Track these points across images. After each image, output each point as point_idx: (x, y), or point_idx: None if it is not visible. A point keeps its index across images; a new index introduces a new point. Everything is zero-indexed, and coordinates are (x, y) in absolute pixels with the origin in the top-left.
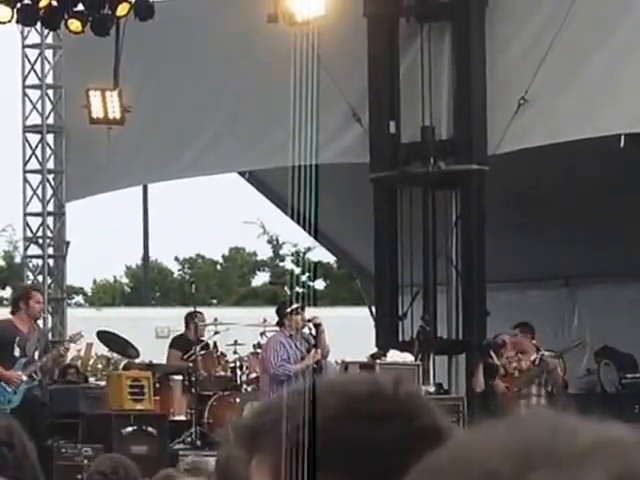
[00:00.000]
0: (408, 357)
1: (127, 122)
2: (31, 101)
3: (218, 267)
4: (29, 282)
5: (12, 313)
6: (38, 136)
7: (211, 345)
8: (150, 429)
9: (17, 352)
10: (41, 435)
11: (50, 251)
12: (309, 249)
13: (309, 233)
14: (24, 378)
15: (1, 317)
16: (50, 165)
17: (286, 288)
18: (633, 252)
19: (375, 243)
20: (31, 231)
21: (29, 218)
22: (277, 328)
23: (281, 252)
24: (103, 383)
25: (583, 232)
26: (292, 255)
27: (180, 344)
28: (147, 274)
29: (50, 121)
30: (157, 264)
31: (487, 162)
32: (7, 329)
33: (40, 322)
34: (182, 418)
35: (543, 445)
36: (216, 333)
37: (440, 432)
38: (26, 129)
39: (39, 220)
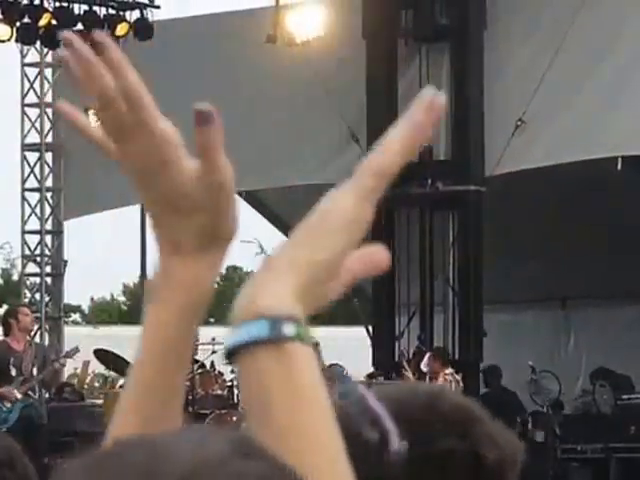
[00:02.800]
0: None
1: None
2: (30, 119)
3: (215, 286)
4: (26, 300)
5: (5, 335)
6: (37, 154)
7: (208, 364)
8: None
9: (13, 372)
10: (37, 454)
11: (48, 269)
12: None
13: None
14: (18, 396)
15: None
16: (49, 183)
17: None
18: (629, 274)
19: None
20: (29, 249)
21: (27, 236)
22: None
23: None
24: (100, 401)
25: (580, 254)
26: None
27: None
28: (144, 292)
29: (49, 139)
30: None
31: (484, 183)
32: (2, 350)
33: (37, 338)
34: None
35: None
36: (213, 352)
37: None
38: (25, 147)
39: (37, 238)
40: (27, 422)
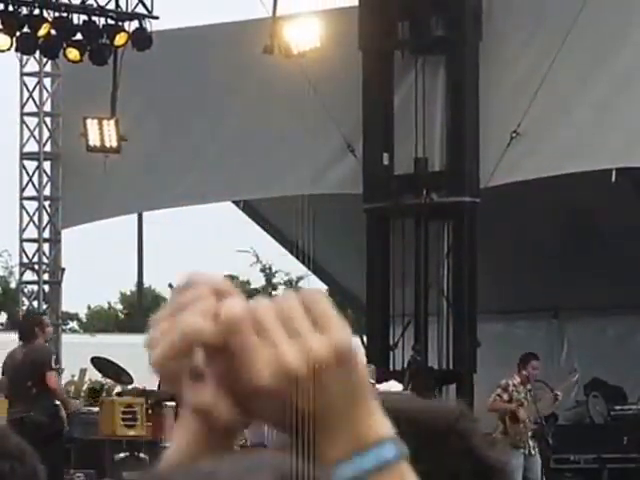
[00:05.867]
0: (394, 386)
1: (123, 151)
2: (29, 128)
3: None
4: (24, 307)
5: (28, 340)
6: (35, 163)
7: None
8: (142, 455)
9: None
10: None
11: (46, 277)
12: (301, 278)
13: (302, 262)
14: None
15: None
16: (47, 192)
17: None
18: (622, 285)
19: (367, 273)
20: (27, 257)
21: (25, 244)
22: None
23: (274, 280)
24: (96, 409)
25: (573, 265)
26: (284, 284)
27: None
28: (141, 301)
29: (47, 148)
30: (151, 291)
31: (479, 194)
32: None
33: None
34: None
35: None
36: None
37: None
38: (23, 156)
39: (35, 246)
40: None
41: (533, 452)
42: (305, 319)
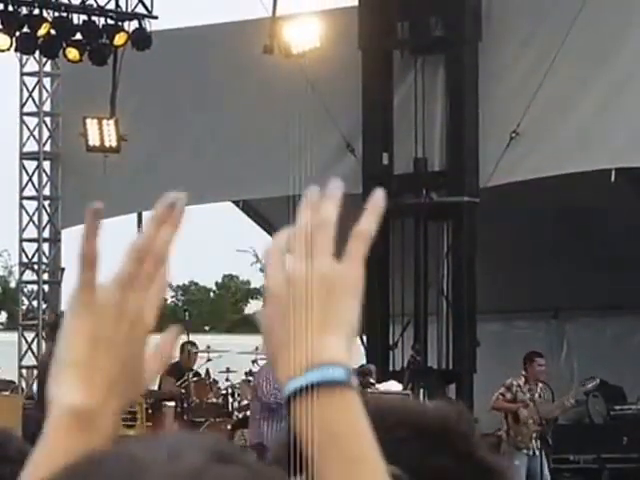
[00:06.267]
0: (393, 386)
1: (123, 150)
2: (28, 128)
3: (211, 294)
4: (24, 307)
5: (51, 340)
6: (35, 163)
7: (203, 372)
8: None
9: None
10: None
11: (45, 277)
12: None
13: None
14: None
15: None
16: (46, 192)
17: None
18: (621, 285)
19: (366, 272)
20: (27, 257)
21: (25, 244)
22: None
23: None
24: None
25: (572, 265)
26: None
27: (173, 371)
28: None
29: (47, 148)
30: None
31: (478, 194)
32: None
33: (34, 345)
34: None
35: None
36: (208, 360)
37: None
38: (23, 156)
39: (35, 246)
40: None
41: (537, 453)
42: (305, 243)
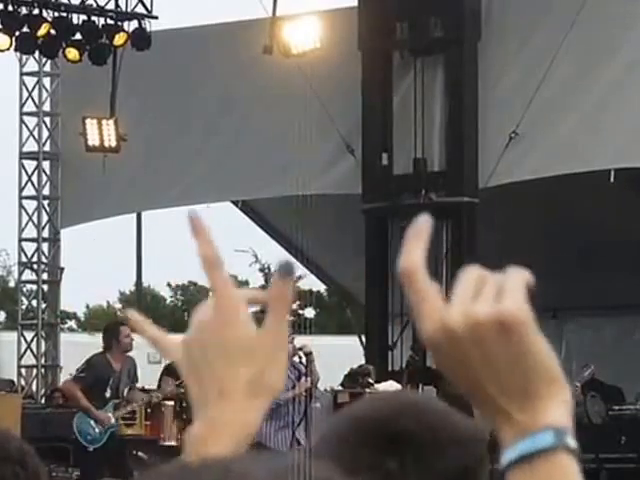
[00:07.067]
0: (392, 386)
1: (123, 150)
2: (28, 128)
3: (210, 294)
4: (23, 307)
5: (105, 349)
6: (34, 163)
7: None
8: (141, 454)
9: (108, 393)
10: (124, 474)
11: (44, 276)
12: (300, 278)
13: (300, 262)
14: (112, 421)
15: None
16: (46, 191)
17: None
18: (620, 285)
19: (366, 273)
20: (26, 256)
21: (24, 243)
22: None
23: (272, 280)
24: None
25: (571, 265)
26: None
27: (173, 371)
28: (140, 300)
29: (47, 148)
30: (150, 290)
31: (478, 195)
32: (105, 368)
33: (34, 344)
34: (173, 444)
35: None
36: None
37: None
38: (23, 156)
39: (34, 246)
40: (115, 444)
41: None
42: (491, 287)
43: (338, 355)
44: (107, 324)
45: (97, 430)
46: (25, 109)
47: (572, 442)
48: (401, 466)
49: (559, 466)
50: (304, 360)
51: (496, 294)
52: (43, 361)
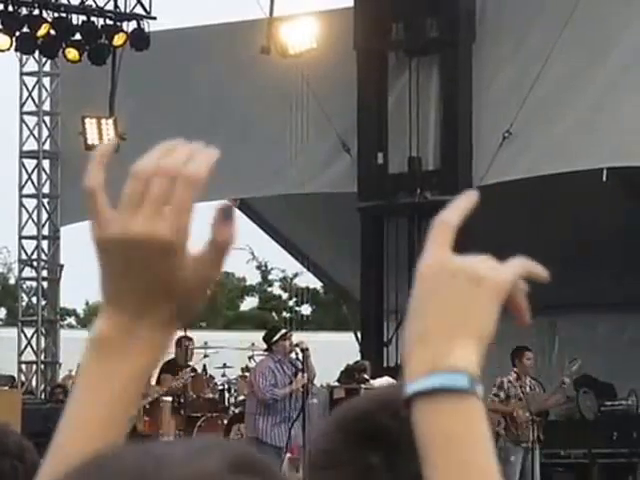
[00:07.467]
0: (388, 382)
1: (121, 149)
2: (28, 127)
3: (207, 291)
4: (23, 304)
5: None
6: (34, 161)
7: (200, 368)
8: None
9: None
10: None
11: (44, 274)
12: (297, 275)
13: (297, 259)
14: None
15: None
16: (46, 190)
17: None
18: (613, 283)
19: (361, 270)
20: (26, 254)
21: (24, 241)
22: (265, 352)
23: (269, 277)
24: None
25: (564, 262)
26: (280, 281)
27: (171, 368)
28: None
29: (46, 147)
30: None
31: None
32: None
33: (34, 341)
34: (171, 439)
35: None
36: (205, 356)
37: None
38: (23, 154)
39: (34, 243)
40: None
41: (535, 446)
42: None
43: (334, 351)
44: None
45: None
46: (25, 109)
47: (482, 392)
48: (383, 461)
49: (472, 407)
50: (300, 356)
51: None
52: (43, 357)
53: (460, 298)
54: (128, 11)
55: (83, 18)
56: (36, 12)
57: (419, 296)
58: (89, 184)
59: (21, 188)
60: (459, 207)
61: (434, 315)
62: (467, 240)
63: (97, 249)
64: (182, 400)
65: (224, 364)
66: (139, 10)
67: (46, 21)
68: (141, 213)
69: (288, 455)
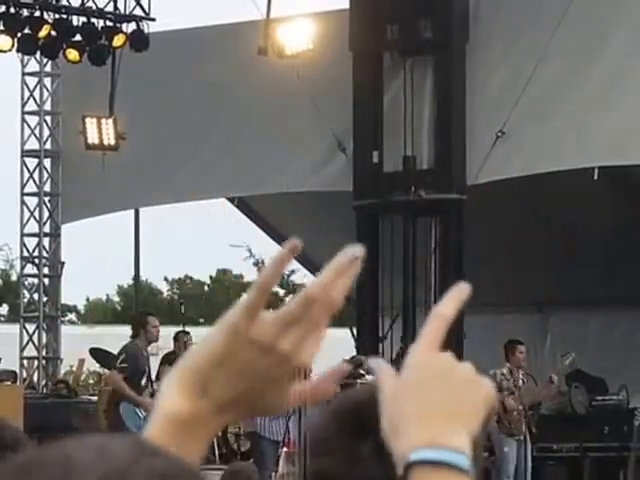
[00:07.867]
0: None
1: (121, 149)
2: (29, 127)
3: (206, 288)
4: (24, 300)
5: (133, 337)
6: (36, 160)
7: None
8: None
9: (143, 381)
10: None
11: (46, 270)
12: (293, 272)
13: (293, 257)
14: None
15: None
16: (47, 188)
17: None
18: (604, 280)
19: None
20: (27, 251)
21: (26, 238)
22: None
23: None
24: (94, 398)
25: (556, 260)
26: None
27: (171, 360)
28: (138, 293)
29: (47, 146)
30: (147, 284)
31: (465, 192)
32: (141, 357)
33: (35, 337)
34: None
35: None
36: None
37: None
38: (24, 153)
39: (35, 240)
40: None
41: (526, 439)
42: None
43: (330, 347)
44: (134, 314)
45: (141, 416)
46: (27, 108)
47: (472, 471)
48: (373, 450)
49: None
50: None
51: None
52: (44, 353)
53: (459, 394)
54: (128, 12)
55: (83, 19)
56: (37, 14)
57: (414, 382)
58: (266, 280)
59: (23, 186)
60: (454, 300)
61: (432, 402)
62: (462, 240)
63: (230, 331)
64: None
65: None
66: (138, 12)
67: (47, 22)
68: (294, 334)
69: (285, 449)
